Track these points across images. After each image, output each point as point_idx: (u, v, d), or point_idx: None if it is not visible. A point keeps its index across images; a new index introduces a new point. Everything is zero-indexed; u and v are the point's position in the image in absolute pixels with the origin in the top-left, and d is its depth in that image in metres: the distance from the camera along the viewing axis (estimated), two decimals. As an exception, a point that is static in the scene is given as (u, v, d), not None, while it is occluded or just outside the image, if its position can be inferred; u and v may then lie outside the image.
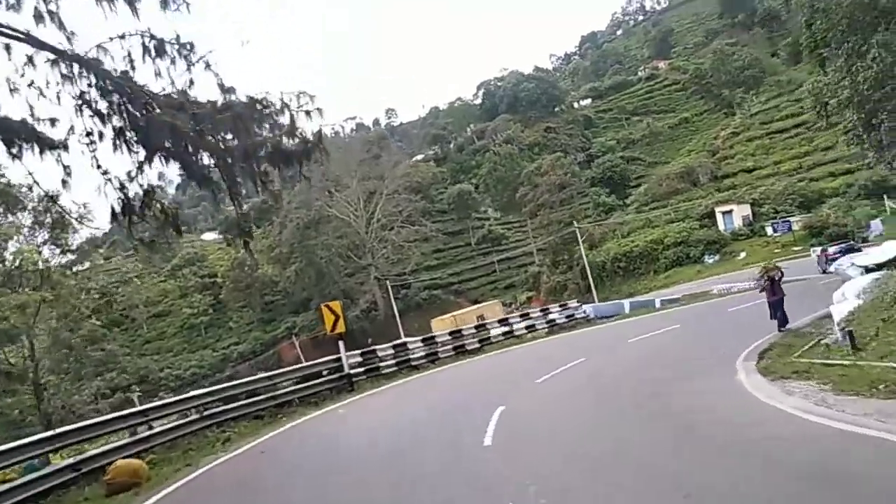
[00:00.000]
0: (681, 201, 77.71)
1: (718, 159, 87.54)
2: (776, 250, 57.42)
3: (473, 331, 26.44)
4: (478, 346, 25.63)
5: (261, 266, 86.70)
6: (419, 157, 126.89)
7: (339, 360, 20.53)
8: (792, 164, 76.94)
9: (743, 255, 60.15)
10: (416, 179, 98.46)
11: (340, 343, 20.59)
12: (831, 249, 40.58)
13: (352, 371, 20.79)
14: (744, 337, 20.63)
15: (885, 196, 55.24)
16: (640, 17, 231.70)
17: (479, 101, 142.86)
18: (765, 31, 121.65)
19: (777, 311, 20.58)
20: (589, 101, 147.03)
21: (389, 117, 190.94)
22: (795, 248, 55.99)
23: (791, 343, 17.94)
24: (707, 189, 78.57)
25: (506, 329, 27.18)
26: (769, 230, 61.31)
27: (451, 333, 25.62)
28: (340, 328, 20.40)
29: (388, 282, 78.66)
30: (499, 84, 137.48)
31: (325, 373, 20.32)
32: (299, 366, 20.67)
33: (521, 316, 28.40)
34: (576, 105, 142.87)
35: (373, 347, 23.32)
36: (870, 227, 52.67)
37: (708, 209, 68.39)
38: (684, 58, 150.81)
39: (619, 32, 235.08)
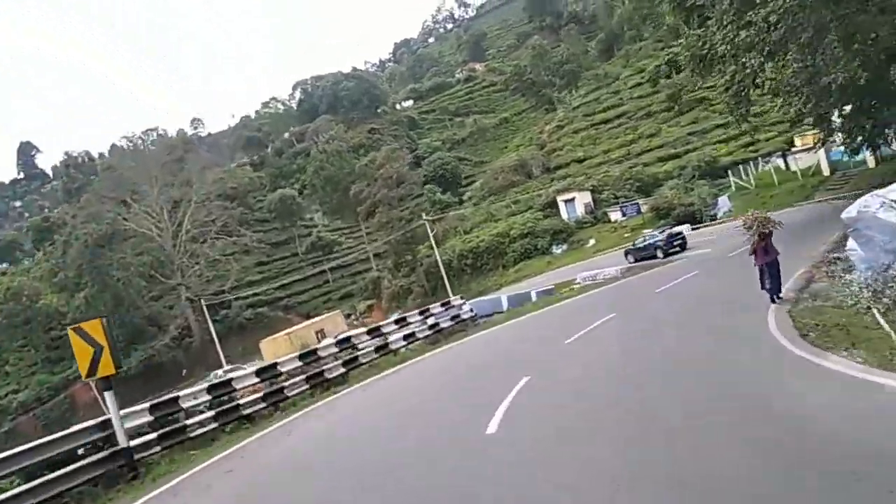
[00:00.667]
0: (519, 193, 74.02)
1: (547, 152, 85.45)
2: (626, 234, 54.58)
3: (334, 350, 17.98)
4: (342, 371, 17.34)
5: (42, 295, 70.86)
6: (233, 165, 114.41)
7: (106, 425, 11.44)
8: (621, 151, 76.16)
9: (592, 242, 56.79)
10: (230, 186, 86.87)
11: (108, 396, 11.49)
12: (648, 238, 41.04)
13: (133, 443, 11.71)
14: (735, 318, 14.59)
15: (728, 172, 54.18)
16: (451, 25, 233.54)
17: (296, 102, 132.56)
18: (574, 31, 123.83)
19: (770, 277, 14.93)
20: (411, 102, 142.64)
21: (196, 127, 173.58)
22: (646, 231, 53.27)
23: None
24: (542, 181, 75.64)
25: (378, 342, 19.06)
26: (614, 215, 58.55)
27: (301, 357, 16.99)
28: (106, 369, 11.30)
29: (202, 302, 66.82)
30: (317, 84, 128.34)
31: (81, 451, 11.15)
32: (25, 447, 10.51)
33: (396, 322, 20.41)
34: (398, 106, 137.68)
35: (174, 395, 14.04)
36: (717, 205, 51.08)
37: (549, 198, 64.77)
38: (499, 60, 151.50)
39: (431, 40, 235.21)
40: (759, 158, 54.22)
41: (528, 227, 61.21)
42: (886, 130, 33.26)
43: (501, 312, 29.04)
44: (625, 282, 29.76)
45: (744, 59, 28.77)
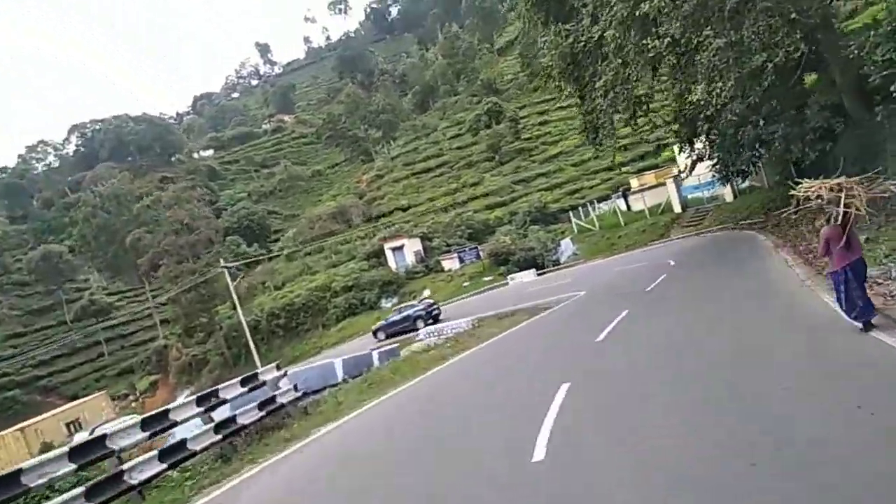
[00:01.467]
0: (339, 243, 65.06)
1: (368, 201, 77.86)
2: (465, 283, 47.72)
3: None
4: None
5: None
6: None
7: None
8: (446, 199, 70.64)
9: (427, 293, 49.06)
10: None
11: None
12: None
13: None
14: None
15: (570, 214, 49.59)
16: (256, 81, 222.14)
17: (72, 147, 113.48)
18: (388, 83, 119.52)
19: (857, 288, 8.71)
20: (211, 151, 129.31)
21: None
22: (487, 279, 46.82)
23: None
24: (364, 229, 67.50)
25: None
26: (448, 263, 51.62)
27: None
28: None
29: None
30: (98, 128, 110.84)
31: None
32: None
33: (147, 422, 10.04)
34: (196, 155, 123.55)
35: None
36: (560, 248, 45.98)
37: (375, 247, 56.62)
38: (309, 112, 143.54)
39: (235, 94, 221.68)
40: (595, 202, 50.36)
41: (351, 279, 52.29)
42: (757, 154, 29.34)
43: (336, 385, 19.65)
44: (510, 334, 21.94)
45: (629, 52, 23.16)
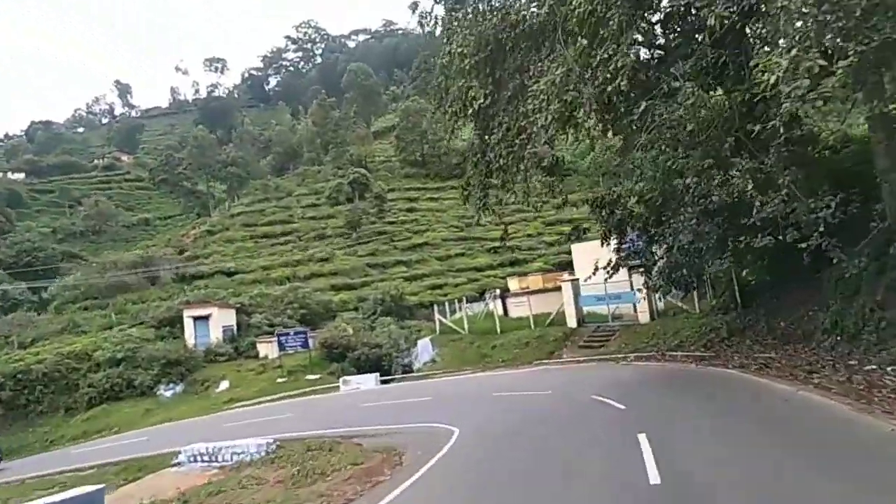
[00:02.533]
0: (130, 301, 49.79)
1: (187, 258, 63.16)
2: (280, 379, 34.85)
3: None
4: None
5: None
6: None
7: None
8: (284, 271, 57.89)
9: (225, 385, 35.67)
10: None
11: None
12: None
13: None
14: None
15: (433, 308, 38.72)
16: (107, 120, 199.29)
17: None
18: (246, 139, 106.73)
19: None
20: (22, 175, 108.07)
21: None
22: (312, 377, 34.38)
23: None
24: (171, 289, 52.74)
25: None
26: (265, 348, 38.60)
27: None
28: None
29: None
30: None
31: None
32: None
33: None
34: (1, 175, 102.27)
35: None
36: (416, 350, 34.84)
37: (173, 312, 42.45)
38: (153, 156, 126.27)
39: (80, 129, 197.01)
40: (465, 300, 40.09)
41: (126, 350, 37.55)
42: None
43: None
44: None
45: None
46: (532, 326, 32.03)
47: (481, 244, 66.96)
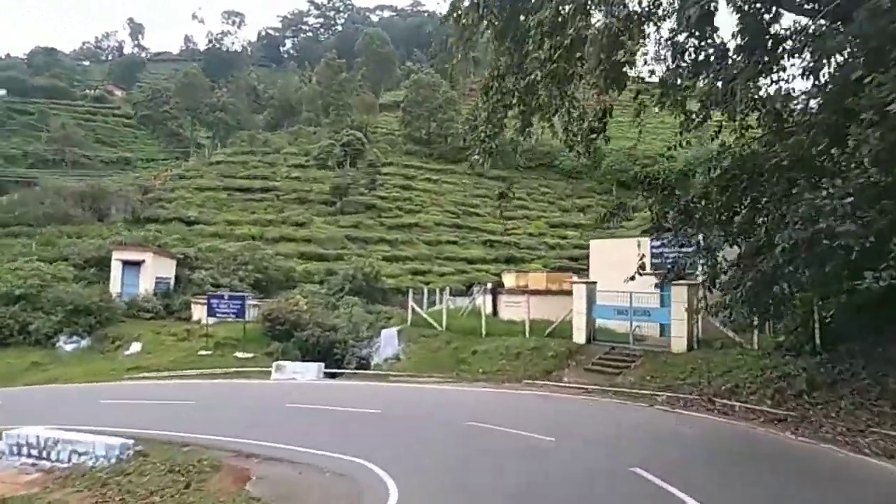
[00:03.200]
0: (66, 234, 42.48)
1: (148, 199, 55.75)
2: (203, 351, 27.68)
3: None
4: None
5: None
6: None
7: None
8: (252, 229, 50.65)
9: (136, 348, 28.49)
10: None
11: None
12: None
13: None
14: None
15: (409, 294, 31.54)
16: (114, 57, 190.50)
17: None
18: (243, 87, 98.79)
19: None
20: (3, 92, 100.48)
21: None
22: (242, 355, 27.21)
23: None
24: (117, 230, 45.33)
25: None
26: (199, 310, 31.29)
27: None
28: None
29: None
30: None
31: None
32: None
33: None
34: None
35: None
36: (378, 342, 27.74)
37: (103, 252, 35.14)
38: (147, 94, 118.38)
39: (85, 63, 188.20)
40: (449, 290, 32.84)
41: (28, 287, 30.28)
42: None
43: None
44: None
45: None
46: (527, 334, 24.93)
47: (476, 235, 60.08)
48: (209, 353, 27.15)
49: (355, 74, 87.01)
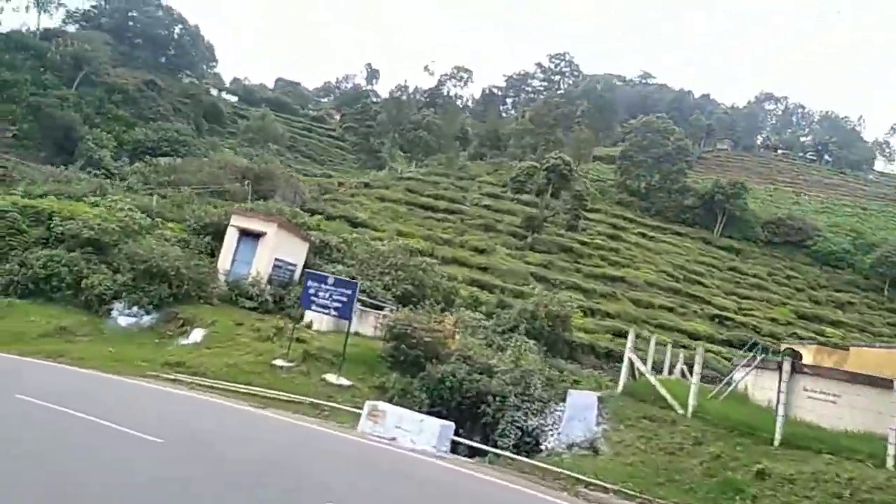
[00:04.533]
0: (212, 204, 35.65)
1: (326, 198, 49.09)
2: (280, 361, 17.17)
3: None
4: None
5: None
6: None
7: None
8: (422, 243, 41.10)
9: (196, 336, 18.93)
10: None
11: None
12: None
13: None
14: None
15: (629, 337, 18.96)
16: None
17: None
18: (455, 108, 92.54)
19: None
20: (235, 98, 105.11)
21: None
22: (336, 380, 16.26)
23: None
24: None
25: None
26: (317, 316, 21.11)
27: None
28: None
29: None
30: None
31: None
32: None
33: None
34: (216, 93, 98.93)
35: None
36: (561, 411, 15.39)
37: (218, 220, 26.76)
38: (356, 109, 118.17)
39: (324, 99, 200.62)
40: (699, 351, 19.50)
41: (107, 232, 22.29)
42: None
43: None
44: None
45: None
46: (890, 461, 11.22)
47: (700, 306, 45.36)
48: (289, 365, 16.64)
49: (574, 110, 76.63)
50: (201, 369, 15.94)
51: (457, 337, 19.81)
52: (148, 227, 24.67)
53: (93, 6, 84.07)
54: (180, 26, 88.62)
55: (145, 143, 53.62)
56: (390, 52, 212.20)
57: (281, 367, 16.38)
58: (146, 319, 20.47)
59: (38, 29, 71.96)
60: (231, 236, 25.22)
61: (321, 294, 16.73)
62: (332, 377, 16.38)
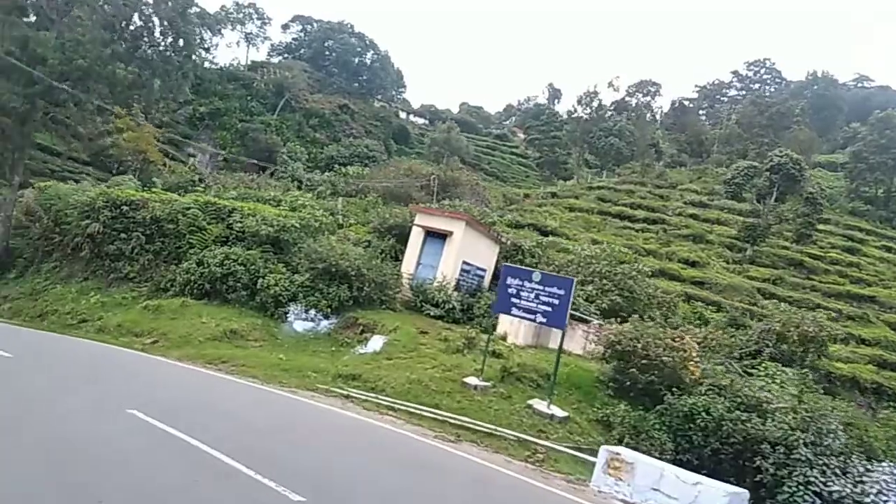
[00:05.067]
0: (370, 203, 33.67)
1: (512, 208, 45.73)
2: (472, 379, 13.41)
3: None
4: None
5: None
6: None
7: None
8: (623, 254, 35.79)
9: (376, 344, 15.77)
10: None
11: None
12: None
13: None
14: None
15: None
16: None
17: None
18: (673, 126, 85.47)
19: None
20: (422, 120, 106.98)
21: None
22: (544, 407, 12.14)
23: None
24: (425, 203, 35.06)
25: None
26: (514, 326, 17.36)
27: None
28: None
29: None
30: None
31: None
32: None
33: None
34: (406, 116, 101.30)
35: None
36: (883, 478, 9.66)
37: (401, 221, 24.07)
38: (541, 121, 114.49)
39: (506, 122, 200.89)
40: None
41: (286, 229, 20.36)
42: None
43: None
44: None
45: None
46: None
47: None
48: (485, 384, 12.84)
49: (793, 107, 66.59)
50: (379, 384, 12.69)
51: (696, 360, 14.83)
52: (329, 226, 22.60)
53: (294, 39, 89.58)
54: (372, 52, 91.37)
55: (337, 158, 54.36)
56: (571, 72, 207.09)
57: (475, 387, 12.63)
58: (324, 325, 17.99)
59: (246, 62, 77.68)
60: (416, 237, 22.40)
61: (524, 295, 12.77)
62: (539, 404, 12.32)
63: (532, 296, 12.64)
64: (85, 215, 20.54)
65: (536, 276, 12.83)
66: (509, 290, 12.92)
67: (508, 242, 24.45)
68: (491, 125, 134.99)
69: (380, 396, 12.06)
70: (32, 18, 25.78)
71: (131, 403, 7.87)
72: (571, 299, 12.44)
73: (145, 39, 34.64)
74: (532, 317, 12.70)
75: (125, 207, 20.72)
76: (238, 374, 13.10)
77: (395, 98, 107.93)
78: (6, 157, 22.58)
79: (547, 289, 12.53)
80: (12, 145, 22.32)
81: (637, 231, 44.90)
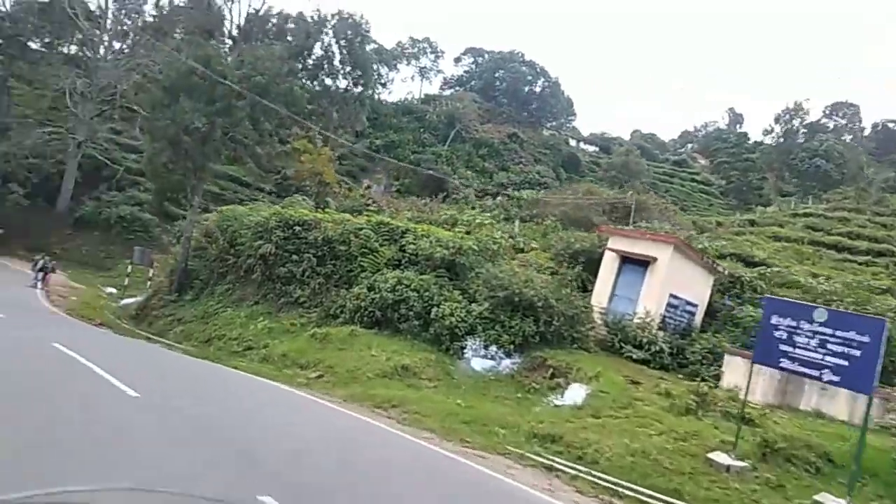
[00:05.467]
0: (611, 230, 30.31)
1: (708, 237, 40.48)
2: (714, 456, 9.64)
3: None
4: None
5: None
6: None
7: None
8: (850, 290, 29.55)
9: (577, 395, 12.42)
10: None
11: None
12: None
13: None
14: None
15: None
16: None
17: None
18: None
19: None
20: (593, 148, 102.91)
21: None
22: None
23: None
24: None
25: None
26: (739, 375, 13.38)
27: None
28: None
29: None
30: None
31: None
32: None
33: None
34: (573, 143, 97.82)
35: None
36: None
37: (593, 245, 20.75)
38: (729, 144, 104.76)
39: (682, 150, 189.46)
40: None
41: (458, 251, 17.94)
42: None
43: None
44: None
45: None
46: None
47: None
48: (740, 465, 9.12)
49: None
50: (590, 452, 9.47)
51: None
52: (508, 250, 19.91)
53: (465, 71, 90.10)
54: (542, 80, 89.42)
55: (508, 184, 52.29)
56: (753, 95, 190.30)
57: (727, 468, 8.97)
58: (505, 364, 15.15)
59: (420, 95, 79.00)
60: (609, 263, 18.96)
61: (799, 340, 8.99)
62: (825, 500, 8.36)
63: (814, 342, 8.80)
64: (258, 235, 19.80)
65: (821, 314, 8.96)
66: (777, 334, 9.16)
67: (726, 272, 20.17)
68: (667, 152, 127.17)
69: (593, 471, 8.83)
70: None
71: (273, 485, 5.46)
72: (883, 349, 8.41)
73: (325, 69, 34.96)
74: (816, 373, 8.82)
75: (297, 228, 19.67)
76: (410, 422, 10.57)
77: (564, 126, 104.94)
78: (188, 177, 22.89)
79: (839, 333, 8.63)
80: (194, 165, 22.52)
81: (860, 264, 37.58)
